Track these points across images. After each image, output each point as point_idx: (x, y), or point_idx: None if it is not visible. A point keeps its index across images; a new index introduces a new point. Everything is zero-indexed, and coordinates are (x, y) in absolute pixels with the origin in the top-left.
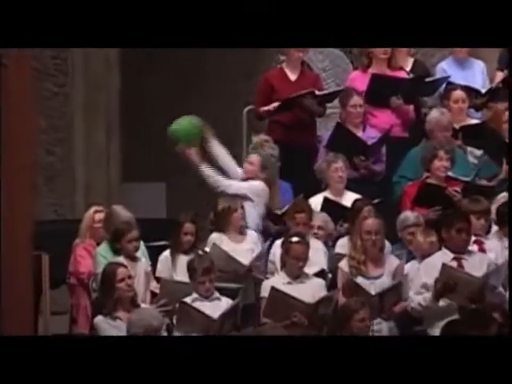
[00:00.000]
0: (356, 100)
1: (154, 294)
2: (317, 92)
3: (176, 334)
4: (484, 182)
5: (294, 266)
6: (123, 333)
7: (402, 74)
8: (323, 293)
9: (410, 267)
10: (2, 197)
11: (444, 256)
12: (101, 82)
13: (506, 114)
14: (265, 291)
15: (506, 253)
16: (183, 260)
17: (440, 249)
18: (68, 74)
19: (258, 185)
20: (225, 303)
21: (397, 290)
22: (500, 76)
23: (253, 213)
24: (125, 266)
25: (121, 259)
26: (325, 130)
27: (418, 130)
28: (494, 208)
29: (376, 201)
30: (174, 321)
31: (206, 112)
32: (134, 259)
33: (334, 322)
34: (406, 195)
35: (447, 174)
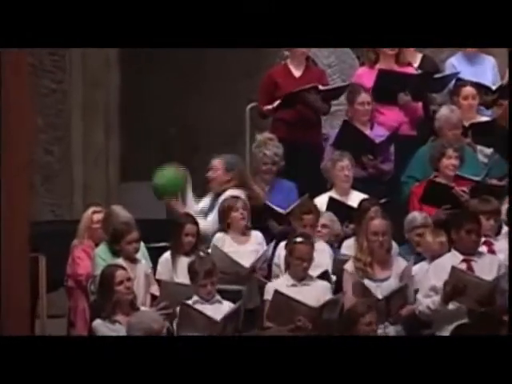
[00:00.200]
0: (364, 97)
1: (154, 297)
2: (320, 87)
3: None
4: (494, 182)
5: (299, 266)
6: None
7: (411, 70)
8: (328, 296)
9: (418, 269)
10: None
11: (453, 258)
12: (99, 80)
13: None
14: (268, 294)
15: None
16: (184, 262)
17: (450, 250)
18: (66, 71)
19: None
20: (226, 306)
21: (403, 293)
22: None
23: None
24: (124, 268)
25: (120, 261)
26: (330, 127)
27: (426, 127)
28: (504, 208)
29: (383, 201)
30: (175, 324)
31: (206, 112)
32: (133, 261)
33: (339, 325)
34: (413, 195)
35: (456, 172)
